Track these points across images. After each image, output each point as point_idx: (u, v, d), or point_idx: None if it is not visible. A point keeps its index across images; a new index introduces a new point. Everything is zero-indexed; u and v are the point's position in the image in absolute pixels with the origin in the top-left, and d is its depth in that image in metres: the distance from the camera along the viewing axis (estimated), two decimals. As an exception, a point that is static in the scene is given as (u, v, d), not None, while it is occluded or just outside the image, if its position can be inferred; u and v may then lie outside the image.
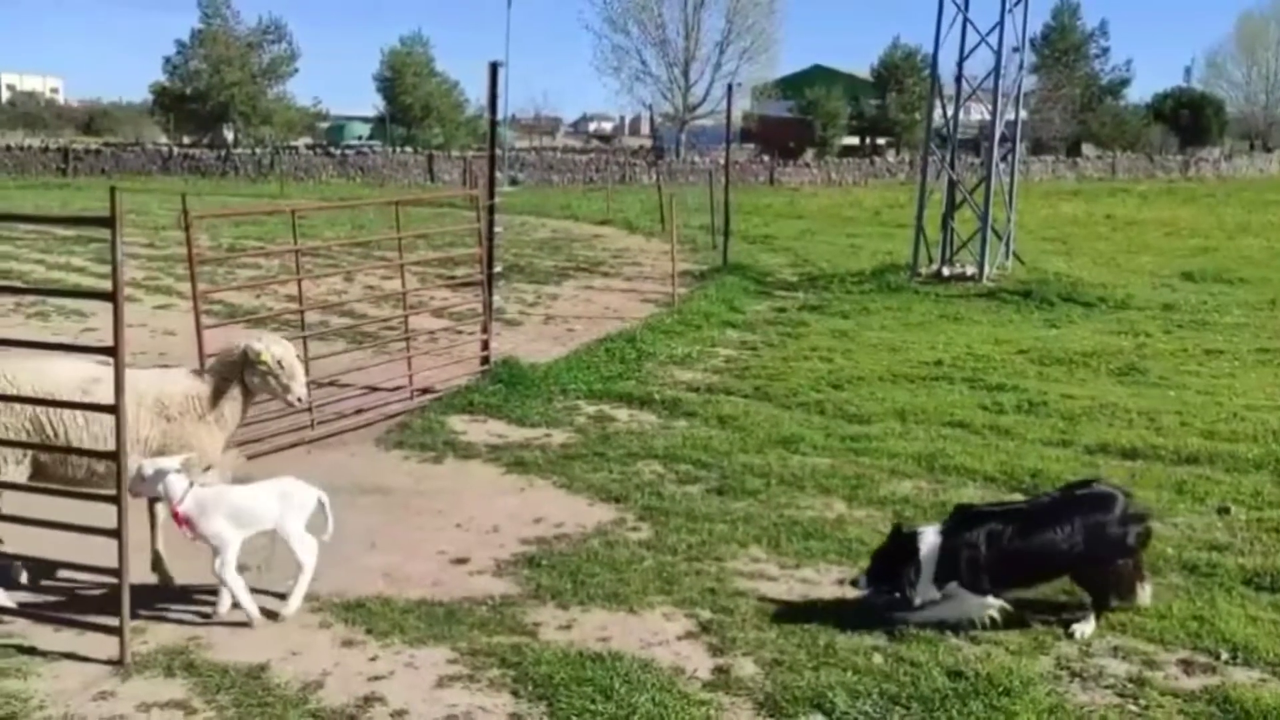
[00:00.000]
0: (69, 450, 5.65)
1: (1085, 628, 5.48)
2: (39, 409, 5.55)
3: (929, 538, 5.54)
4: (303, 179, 45.60)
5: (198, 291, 8.28)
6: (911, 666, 5.06)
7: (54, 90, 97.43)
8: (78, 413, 5.56)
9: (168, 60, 62.74)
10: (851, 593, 5.81)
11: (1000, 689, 4.83)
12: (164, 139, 60.08)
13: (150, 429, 5.79)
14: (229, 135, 60.71)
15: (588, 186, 45.47)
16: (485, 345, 11.01)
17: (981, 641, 5.35)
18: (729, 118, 23.91)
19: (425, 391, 10.25)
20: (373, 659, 5.15)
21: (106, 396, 5.17)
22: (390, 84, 66.68)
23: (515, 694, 4.82)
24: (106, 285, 4.82)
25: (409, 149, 53.25)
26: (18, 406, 5.52)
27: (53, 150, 47.85)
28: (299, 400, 6.49)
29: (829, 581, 6.12)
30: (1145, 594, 5.68)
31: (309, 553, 5.59)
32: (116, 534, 5.01)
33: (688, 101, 65.22)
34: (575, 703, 4.70)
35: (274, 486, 5.65)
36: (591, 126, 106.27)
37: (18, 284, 15.16)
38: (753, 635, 5.41)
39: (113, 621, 5.09)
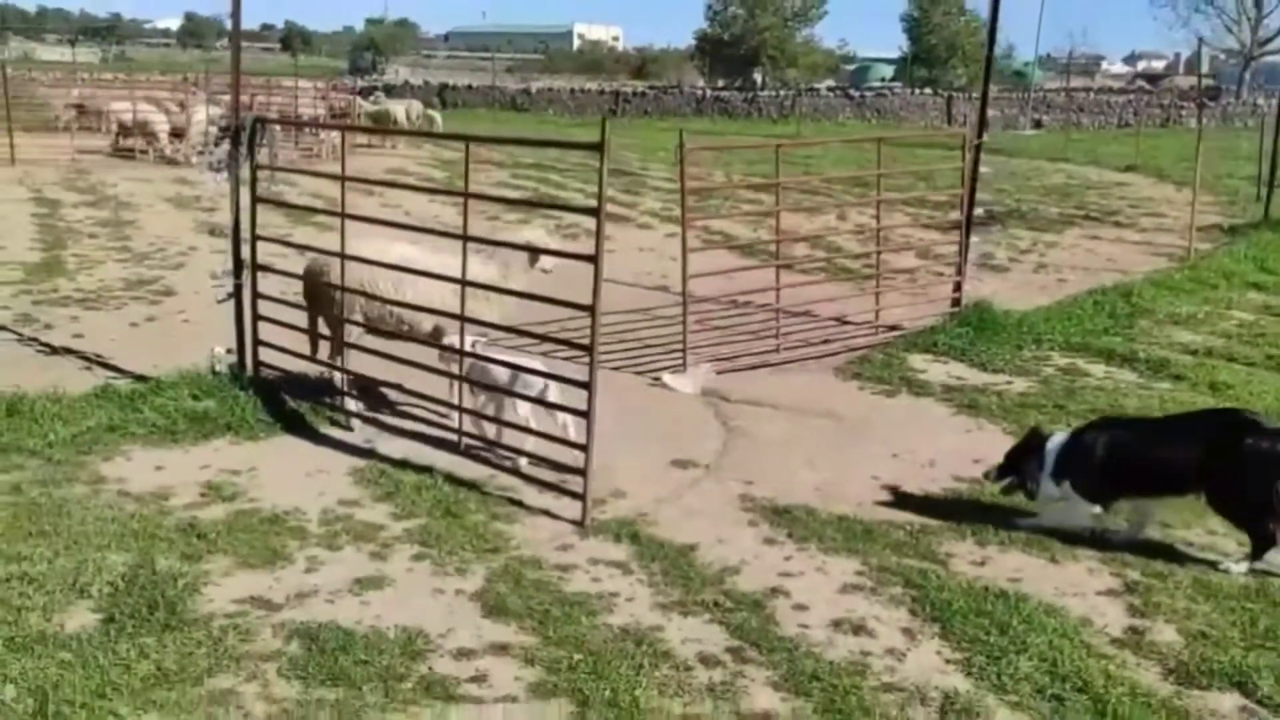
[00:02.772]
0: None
1: (1237, 566, 5.35)
2: (363, 273, 7.14)
3: (1057, 436, 5.87)
4: (820, 120, 46.77)
5: (686, 218, 9.18)
6: (1370, 671, 4.44)
7: (615, 38, 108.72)
8: (399, 279, 7.13)
9: (709, 7, 67.37)
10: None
11: None
12: (701, 82, 64.73)
13: (452, 298, 6.87)
14: (758, 78, 63.73)
15: (1120, 130, 41.71)
16: (958, 288, 10.87)
17: None
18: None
19: (892, 328, 10.42)
20: (787, 558, 5.57)
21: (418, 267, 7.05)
22: (916, 24, 65.70)
23: (912, 612, 4.97)
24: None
25: (928, 90, 52.30)
26: (355, 265, 7.11)
27: (607, 93, 53.68)
28: (547, 271, 7.43)
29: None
30: None
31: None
32: (585, 414, 5.91)
33: (1257, 35, 56.90)
34: (969, 630, 4.75)
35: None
36: (1140, 65, 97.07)
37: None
38: (1182, 605, 5.04)
39: (579, 490, 6.01)
